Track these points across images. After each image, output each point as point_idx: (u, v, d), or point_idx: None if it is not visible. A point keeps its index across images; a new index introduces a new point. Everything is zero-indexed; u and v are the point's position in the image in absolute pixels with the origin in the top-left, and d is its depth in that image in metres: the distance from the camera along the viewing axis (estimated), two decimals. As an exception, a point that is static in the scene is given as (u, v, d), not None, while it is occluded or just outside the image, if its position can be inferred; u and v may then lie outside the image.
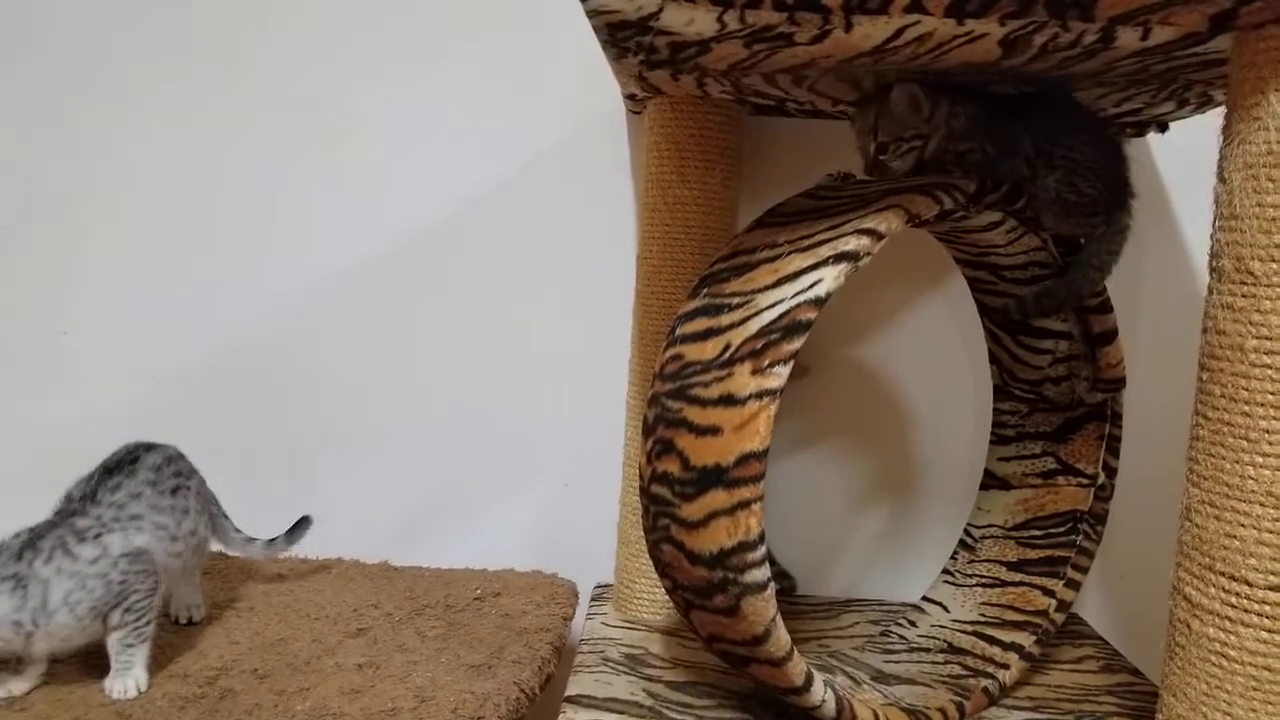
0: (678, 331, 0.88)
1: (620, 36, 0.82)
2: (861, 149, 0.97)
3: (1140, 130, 1.15)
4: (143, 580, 0.89)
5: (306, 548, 1.26)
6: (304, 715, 0.84)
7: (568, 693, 0.95)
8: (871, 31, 0.76)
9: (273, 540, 1.11)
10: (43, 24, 1.30)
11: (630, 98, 1.13)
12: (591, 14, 0.76)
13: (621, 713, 0.91)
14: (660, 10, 0.73)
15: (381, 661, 0.96)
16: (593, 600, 1.22)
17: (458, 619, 1.08)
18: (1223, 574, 0.71)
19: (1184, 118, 1.07)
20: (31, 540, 0.85)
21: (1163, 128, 1.13)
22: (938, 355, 1.28)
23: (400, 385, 1.32)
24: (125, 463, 0.95)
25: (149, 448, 0.98)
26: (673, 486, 0.82)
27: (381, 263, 1.31)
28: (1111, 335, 1.02)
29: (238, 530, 1.10)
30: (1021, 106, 0.95)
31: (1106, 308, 1.01)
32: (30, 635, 0.84)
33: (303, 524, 1.13)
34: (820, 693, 0.85)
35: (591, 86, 1.22)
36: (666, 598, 0.94)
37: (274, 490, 1.33)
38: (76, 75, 1.31)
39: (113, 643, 0.88)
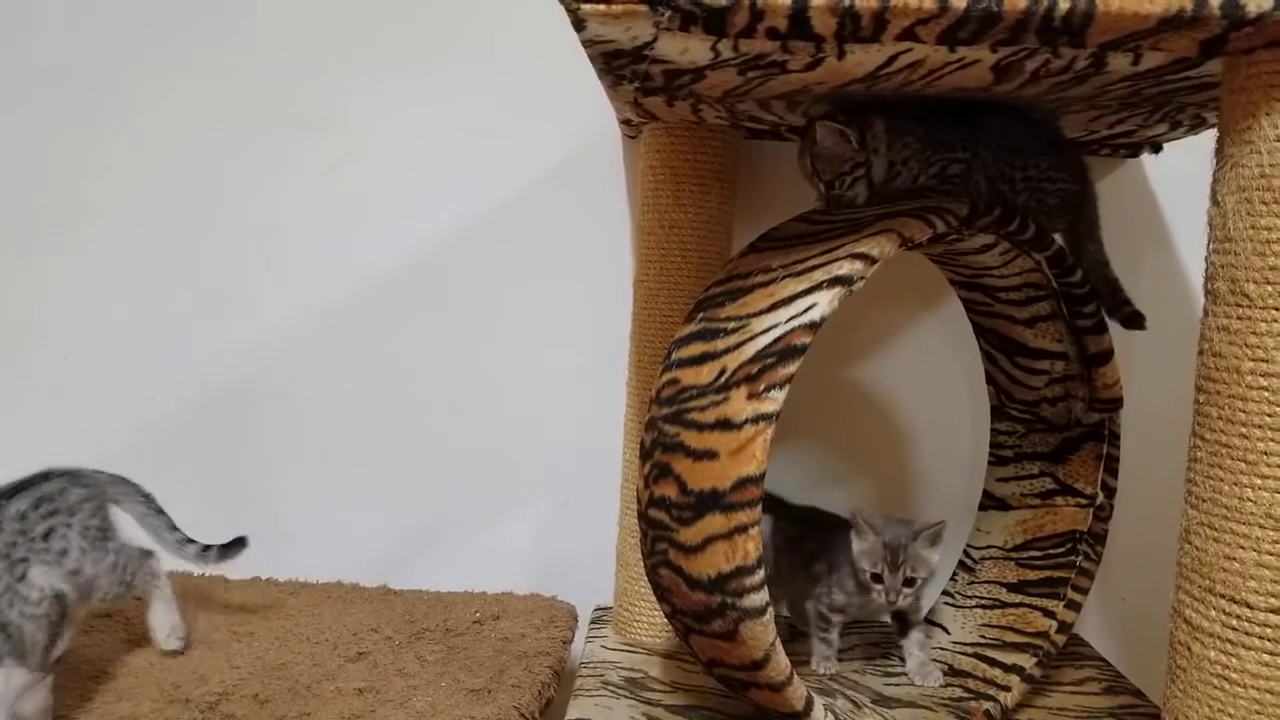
0: (674, 356, 0.88)
1: (615, 65, 0.82)
2: (814, 187, 0.97)
3: (1134, 151, 1.16)
4: (61, 624, 0.88)
5: (307, 571, 1.27)
6: (304, 741, 0.85)
7: (568, 717, 0.95)
8: (864, 59, 0.77)
9: (207, 549, 1.07)
10: (45, 51, 1.32)
11: (626, 123, 1.14)
12: (587, 43, 0.77)
13: (621, 737, 0.91)
14: (655, 40, 0.74)
15: (381, 686, 0.96)
16: (592, 623, 1.22)
17: (457, 643, 1.08)
18: (1223, 596, 0.71)
19: (1178, 139, 1.08)
20: None
21: (1156, 149, 1.14)
22: (935, 377, 1.29)
23: (398, 408, 1.33)
24: None
25: (16, 491, 0.95)
26: (670, 511, 0.83)
27: (379, 286, 1.31)
28: (1107, 355, 1.02)
29: (173, 529, 1.07)
30: (969, 115, 0.94)
31: (1102, 328, 1.02)
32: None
33: (238, 544, 1.09)
34: (820, 717, 0.85)
35: (587, 112, 1.23)
36: (666, 620, 0.94)
37: (272, 512, 1.33)
38: (79, 100, 1.32)
39: None
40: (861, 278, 0.81)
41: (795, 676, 0.83)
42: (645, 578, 0.92)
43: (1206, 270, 0.74)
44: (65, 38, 1.32)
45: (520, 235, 1.30)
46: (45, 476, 0.98)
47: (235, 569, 1.25)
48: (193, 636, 1.07)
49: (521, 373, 1.31)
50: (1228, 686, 0.70)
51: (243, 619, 1.13)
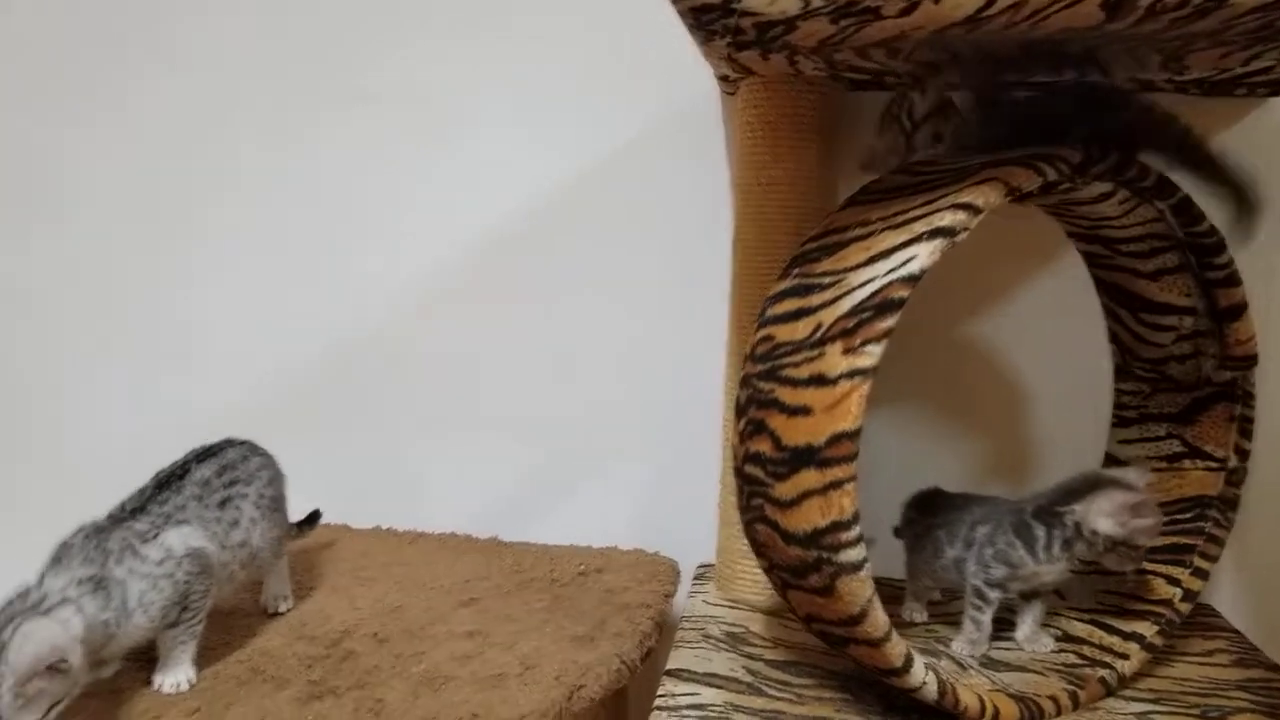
0: (768, 313, 0.88)
1: (705, 20, 0.82)
2: (892, 150, 0.93)
3: (1275, 90, 1.07)
4: (202, 580, 0.89)
5: (424, 522, 1.34)
6: (419, 677, 0.90)
7: (668, 666, 0.97)
8: (963, 1, 0.74)
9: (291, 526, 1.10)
10: (158, 43, 1.41)
11: (723, 79, 1.13)
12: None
13: (720, 688, 0.92)
14: (743, -10, 0.74)
15: (490, 630, 1.01)
16: (695, 580, 1.23)
17: (562, 593, 1.11)
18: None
19: (1326, 73, 0.99)
20: (97, 542, 0.84)
21: (1302, 85, 1.05)
22: (1054, 334, 1.23)
23: (508, 370, 1.37)
24: (175, 477, 0.93)
25: (204, 457, 0.96)
26: (765, 467, 0.83)
27: (482, 249, 1.35)
28: (1240, 310, 0.96)
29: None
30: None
31: (1234, 280, 0.95)
32: (114, 636, 0.83)
33: (314, 517, 1.14)
34: (920, 675, 0.84)
35: (686, 68, 1.22)
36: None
37: (393, 470, 1.40)
38: (188, 86, 1.41)
39: (166, 639, 0.88)
40: (965, 228, 0.79)
41: (894, 633, 0.83)
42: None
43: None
44: (209, 36, 1.41)
45: (620, 196, 1.30)
46: (229, 444, 0.99)
47: (360, 519, 1.34)
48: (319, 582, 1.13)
49: (623, 333, 1.33)
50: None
51: (364, 565, 1.20)
